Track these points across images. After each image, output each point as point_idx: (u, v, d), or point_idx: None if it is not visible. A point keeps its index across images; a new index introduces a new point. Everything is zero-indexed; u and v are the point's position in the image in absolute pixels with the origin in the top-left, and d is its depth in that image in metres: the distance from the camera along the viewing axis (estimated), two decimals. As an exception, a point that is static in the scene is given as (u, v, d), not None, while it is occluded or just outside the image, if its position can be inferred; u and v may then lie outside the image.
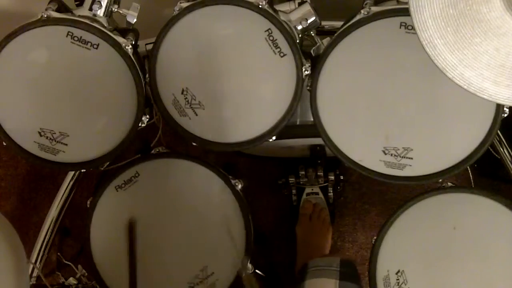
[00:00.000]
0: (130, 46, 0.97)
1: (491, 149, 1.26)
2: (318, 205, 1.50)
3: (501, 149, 1.27)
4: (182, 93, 1.00)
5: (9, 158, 1.65)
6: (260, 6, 0.92)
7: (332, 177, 1.47)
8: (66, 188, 1.44)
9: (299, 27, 1.01)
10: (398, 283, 1.02)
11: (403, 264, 1.02)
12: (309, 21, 1.01)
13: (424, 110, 0.96)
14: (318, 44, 1.02)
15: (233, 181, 1.08)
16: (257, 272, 1.27)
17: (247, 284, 0.93)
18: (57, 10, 0.97)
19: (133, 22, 1.01)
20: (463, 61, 0.64)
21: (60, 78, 0.99)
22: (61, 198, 1.44)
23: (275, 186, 1.54)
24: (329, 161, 1.41)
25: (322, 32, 1.10)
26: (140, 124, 1.00)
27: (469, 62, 0.64)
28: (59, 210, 1.45)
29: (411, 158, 0.98)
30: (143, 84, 0.99)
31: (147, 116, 1.02)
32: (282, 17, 0.98)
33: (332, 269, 1.04)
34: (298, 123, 1.20)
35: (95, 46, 0.95)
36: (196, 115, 1.01)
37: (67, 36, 0.94)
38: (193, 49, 0.98)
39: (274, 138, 1.01)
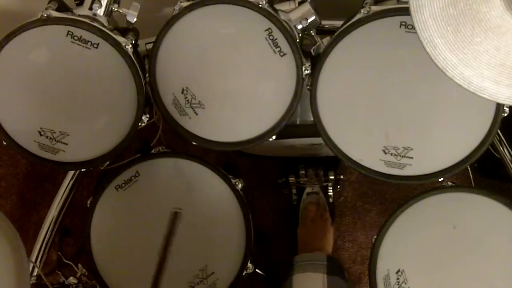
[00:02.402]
0: (130, 46, 0.97)
1: (491, 149, 1.26)
2: (321, 207, 1.50)
3: (501, 149, 1.27)
4: (182, 92, 1.00)
5: (9, 158, 1.65)
6: (260, 6, 0.92)
7: (332, 177, 1.47)
8: (66, 188, 1.44)
9: (299, 27, 1.01)
10: (398, 282, 1.02)
11: (403, 263, 1.02)
12: (309, 21, 1.01)
13: (424, 109, 0.96)
14: (318, 43, 1.01)
15: (233, 181, 1.08)
16: (257, 271, 1.27)
17: None
18: (57, 10, 0.97)
19: (133, 22, 1.01)
20: (463, 61, 0.64)
21: (60, 77, 0.99)
22: (61, 197, 1.44)
23: (275, 186, 1.54)
24: (329, 160, 1.41)
25: (322, 31, 1.10)
26: (140, 124, 1.00)
27: (469, 62, 0.64)
28: (59, 210, 1.45)
29: (411, 158, 0.98)
30: (143, 84, 0.99)
31: (147, 116, 1.02)
32: (282, 16, 0.98)
33: (320, 263, 1.05)
34: (298, 122, 1.20)
35: (95, 46, 0.95)
36: (196, 114, 1.01)
37: (67, 35, 0.94)
38: (193, 49, 0.98)
39: (274, 137, 1.01)
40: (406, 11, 0.88)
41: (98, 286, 1.09)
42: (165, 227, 1.09)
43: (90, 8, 0.99)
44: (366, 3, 0.92)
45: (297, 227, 1.51)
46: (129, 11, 1.00)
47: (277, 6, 1.01)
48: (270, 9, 0.94)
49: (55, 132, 1.01)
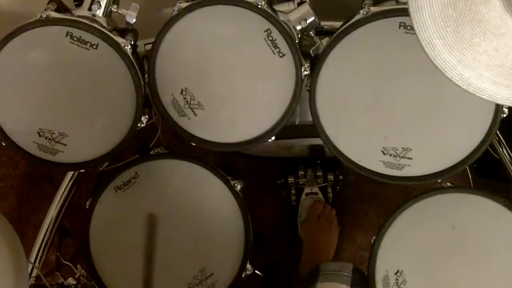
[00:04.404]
0: (129, 46, 0.97)
1: (490, 150, 1.26)
2: (328, 206, 1.50)
3: (500, 150, 1.27)
4: (181, 93, 1.00)
5: (8, 158, 1.65)
6: (259, 6, 0.92)
7: (331, 177, 1.47)
8: (65, 189, 1.44)
9: (298, 27, 1.01)
10: (397, 283, 1.02)
11: (402, 264, 1.02)
12: (308, 21, 1.01)
13: (423, 110, 0.96)
14: (317, 44, 1.02)
15: (232, 182, 1.08)
16: (256, 273, 1.27)
17: None
18: (56, 10, 0.97)
19: (132, 22, 1.01)
20: (462, 61, 0.64)
21: (59, 78, 0.99)
22: (60, 198, 1.44)
23: (274, 186, 1.54)
24: (328, 161, 1.41)
25: (321, 32, 1.10)
26: (139, 125, 1.00)
27: (468, 62, 0.64)
28: (58, 211, 1.45)
29: (410, 158, 0.98)
30: (142, 84, 0.99)
31: (146, 116, 1.02)
32: (281, 17, 0.98)
33: (345, 275, 1.04)
34: (297, 123, 1.20)
35: (94, 46, 0.95)
36: (195, 115, 1.01)
37: (66, 36, 0.94)
38: (192, 49, 0.98)
39: (273, 138, 1.01)
40: (405, 12, 0.88)
41: (96, 287, 1.09)
42: (163, 228, 1.08)
43: (89, 9, 1.00)
44: (365, 4, 0.92)
45: (296, 227, 1.51)
46: (128, 11, 1.01)
47: (276, 7, 1.01)
48: (269, 10, 0.94)
49: (54, 133, 1.01)
